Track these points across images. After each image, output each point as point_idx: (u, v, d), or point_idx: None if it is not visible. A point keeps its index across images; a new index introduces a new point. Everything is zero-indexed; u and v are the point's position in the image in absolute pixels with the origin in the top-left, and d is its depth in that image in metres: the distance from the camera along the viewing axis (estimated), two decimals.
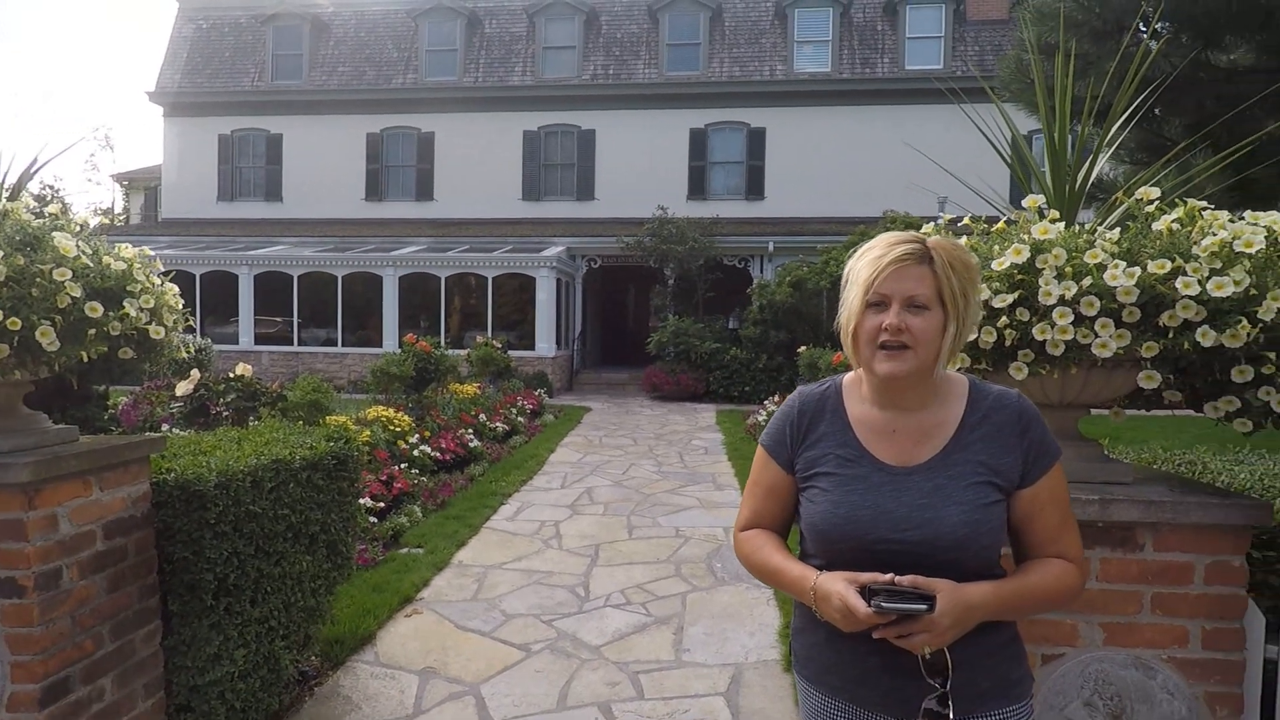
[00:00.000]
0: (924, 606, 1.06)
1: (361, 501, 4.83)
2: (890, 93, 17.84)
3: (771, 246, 16.19)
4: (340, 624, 3.49)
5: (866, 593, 1.10)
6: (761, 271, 16.51)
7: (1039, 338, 1.65)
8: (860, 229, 13.95)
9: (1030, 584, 1.19)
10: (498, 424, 8.87)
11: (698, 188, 18.60)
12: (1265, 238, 1.55)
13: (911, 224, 13.27)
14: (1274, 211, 1.63)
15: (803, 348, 11.91)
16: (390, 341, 14.46)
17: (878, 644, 1.14)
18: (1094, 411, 1.99)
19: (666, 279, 16.32)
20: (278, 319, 15.76)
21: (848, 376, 1.33)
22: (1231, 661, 1.75)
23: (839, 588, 1.12)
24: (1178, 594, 1.75)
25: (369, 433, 6.12)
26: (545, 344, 15.12)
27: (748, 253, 16.67)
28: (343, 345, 15.64)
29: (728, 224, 16.93)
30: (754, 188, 18.52)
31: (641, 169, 18.47)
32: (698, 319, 15.45)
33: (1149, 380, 1.66)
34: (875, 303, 1.18)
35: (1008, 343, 1.71)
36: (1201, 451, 3.11)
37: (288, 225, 18.83)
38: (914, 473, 1.21)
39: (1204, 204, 1.70)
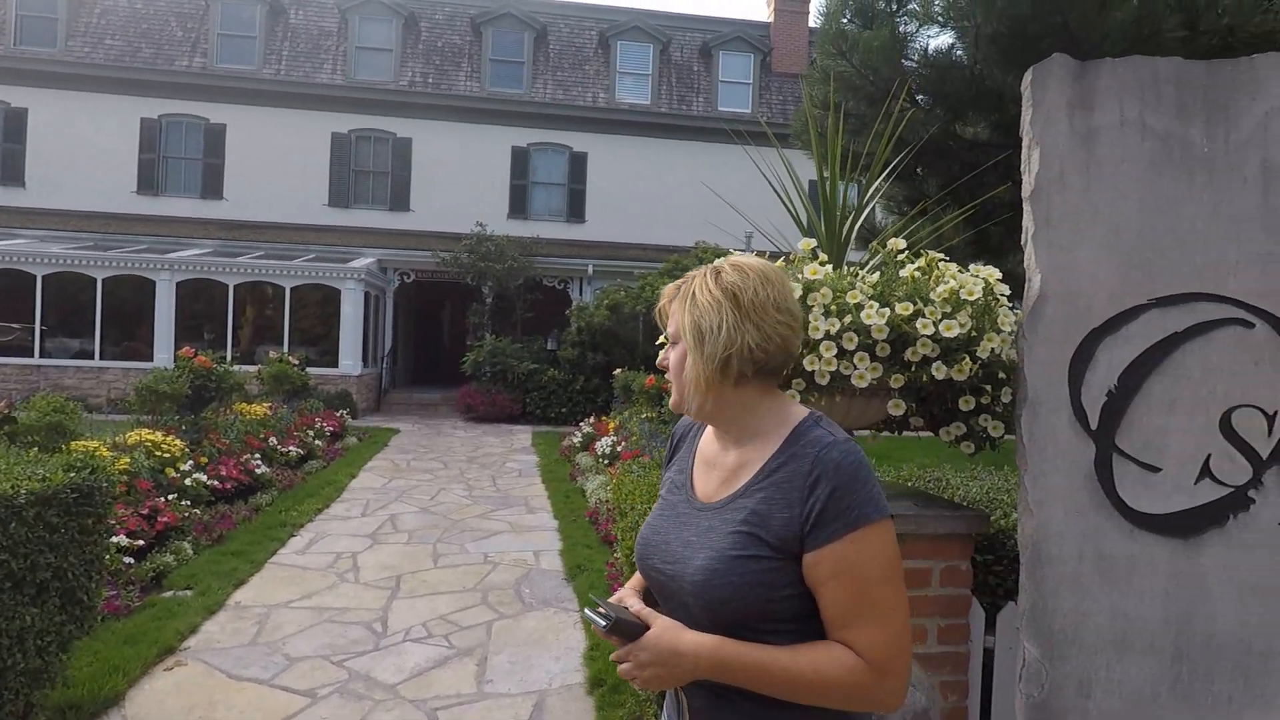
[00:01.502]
0: (602, 622, 1.03)
1: (114, 540, 4.20)
2: (704, 130, 18.95)
3: (591, 269, 16.47)
4: (78, 685, 2.99)
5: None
6: (581, 294, 16.73)
7: (809, 368, 1.81)
8: (674, 257, 14.64)
9: (776, 658, 1.00)
10: (291, 448, 8.15)
11: (519, 206, 18.51)
12: (983, 288, 1.82)
13: (720, 255, 14.11)
14: (992, 266, 1.93)
15: (618, 370, 12.20)
16: (164, 355, 12.77)
17: None
18: (856, 433, 2.22)
19: (484, 297, 16.01)
20: (15, 326, 13.34)
21: None
22: (960, 653, 2.02)
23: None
24: (919, 596, 1.99)
25: (128, 460, 5.35)
26: (350, 361, 14.17)
27: (567, 274, 16.83)
28: (102, 358, 13.53)
29: (548, 245, 16.99)
30: (575, 210, 18.78)
31: (461, 183, 18.05)
32: (516, 339, 15.30)
33: (896, 408, 1.88)
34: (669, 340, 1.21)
35: (783, 372, 1.86)
36: (947, 469, 3.58)
37: (31, 215, 16.10)
38: (705, 510, 1.14)
39: (941, 255, 1.97)
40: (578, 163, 18.81)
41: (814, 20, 5.30)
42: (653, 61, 19.35)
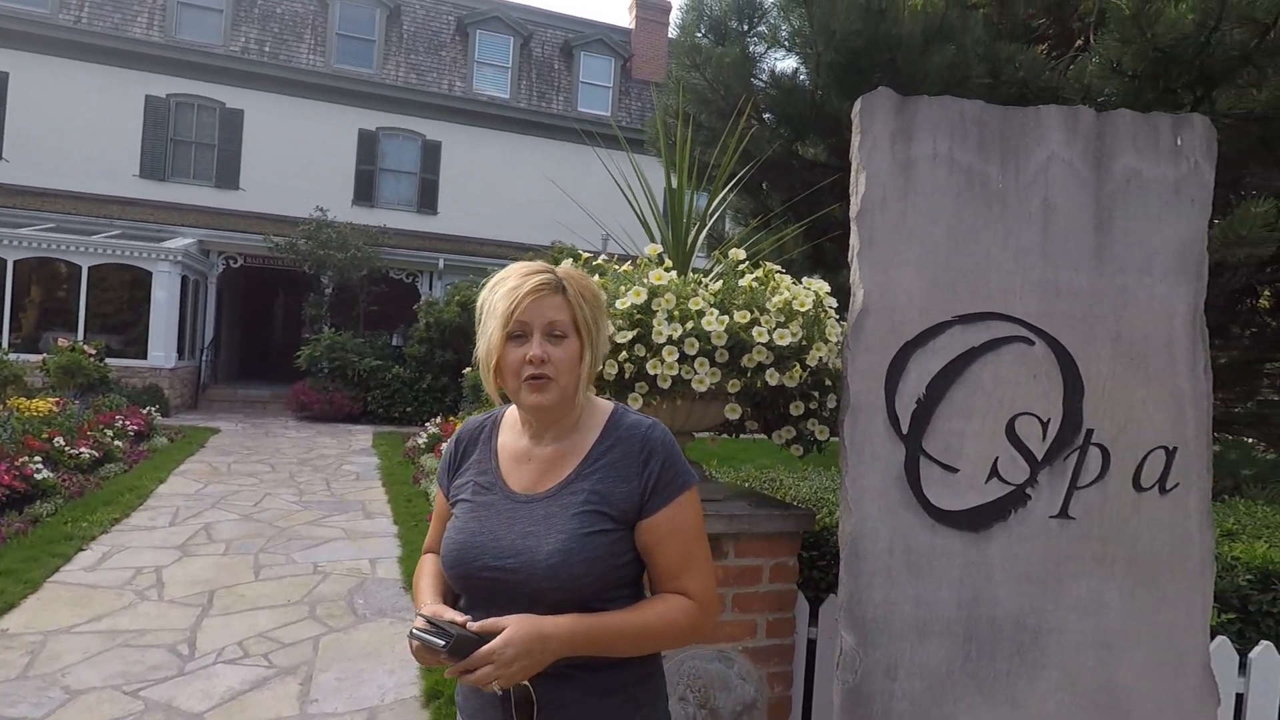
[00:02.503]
0: (441, 643, 1.02)
1: None
2: (565, 130, 18.89)
3: (442, 264, 15.90)
4: None
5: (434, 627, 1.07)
6: (431, 288, 16.11)
7: (651, 372, 1.84)
8: (530, 255, 14.49)
9: (627, 619, 1.14)
10: (83, 450, 7.18)
11: (365, 193, 17.53)
12: (814, 300, 1.94)
13: (574, 256, 14.14)
14: (823, 280, 2.05)
15: (468, 369, 11.87)
16: None
17: None
18: (696, 435, 2.29)
19: (324, 288, 14.98)
20: None
21: (511, 406, 1.31)
22: (786, 645, 2.13)
23: (418, 621, 1.10)
24: (751, 593, 2.08)
25: None
26: (162, 353, 12.72)
27: (417, 268, 16.14)
28: None
29: (397, 235, 16.21)
30: (427, 201, 18.07)
31: (300, 164, 16.80)
32: (358, 334, 14.46)
33: (733, 412, 1.95)
34: (516, 334, 1.17)
35: (626, 375, 1.87)
36: (781, 470, 3.79)
37: None
38: (533, 501, 1.19)
39: (778, 267, 2.07)
40: (431, 152, 18.11)
41: (673, 31, 5.42)
42: (513, 55, 19.03)
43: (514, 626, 1.06)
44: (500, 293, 1.18)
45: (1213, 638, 2.11)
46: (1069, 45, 4.95)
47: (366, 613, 4.19)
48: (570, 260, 1.98)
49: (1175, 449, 1.92)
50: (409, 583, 4.71)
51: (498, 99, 18.72)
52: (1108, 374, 1.91)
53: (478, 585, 1.16)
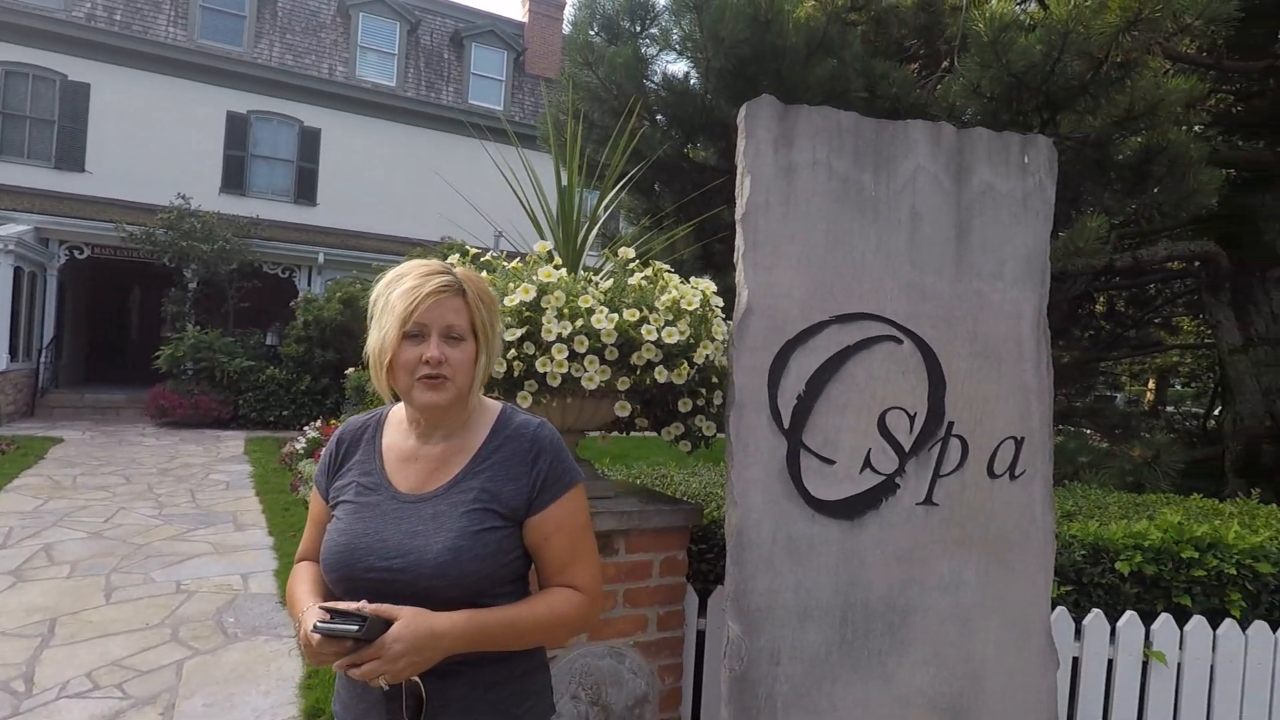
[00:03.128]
0: (354, 628, 1.01)
1: None
2: (455, 122, 18.37)
3: (322, 258, 15.09)
4: None
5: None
6: (310, 284, 15.26)
7: (541, 370, 1.83)
8: (418, 251, 14.01)
9: (519, 613, 1.16)
10: None
11: (235, 181, 16.38)
12: (701, 299, 1.99)
13: (463, 253, 13.80)
14: (710, 280, 2.11)
15: (351, 369, 11.34)
16: None
17: None
18: (587, 434, 2.29)
19: (186, 282, 13.84)
20: None
21: (396, 406, 1.31)
22: (676, 638, 2.18)
23: (309, 617, 1.07)
24: (642, 588, 2.11)
25: None
26: None
27: (294, 262, 15.23)
28: None
29: (271, 227, 15.24)
30: (305, 192, 17.10)
31: (159, 146, 15.48)
32: (227, 332, 13.49)
33: (623, 409, 1.97)
34: (413, 334, 1.16)
35: (515, 373, 1.85)
36: (671, 467, 3.86)
37: None
38: (421, 501, 1.19)
39: (666, 266, 2.11)
40: (309, 139, 17.15)
41: (567, 28, 5.39)
42: (399, 41, 18.34)
43: (404, 621, 1.06)
44: (399, 290, 1.17)
45: (1053, 608, 2.34)
46: (937, 66, 5.33)
47: (238, 632, 3.92)
48: (458, 256, 1.93)
49: (1023, 439, 2.11)
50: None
51: (383, 86, 17.98)
52: (966, 371, 2.07)
53: (362, 588, 1.13)
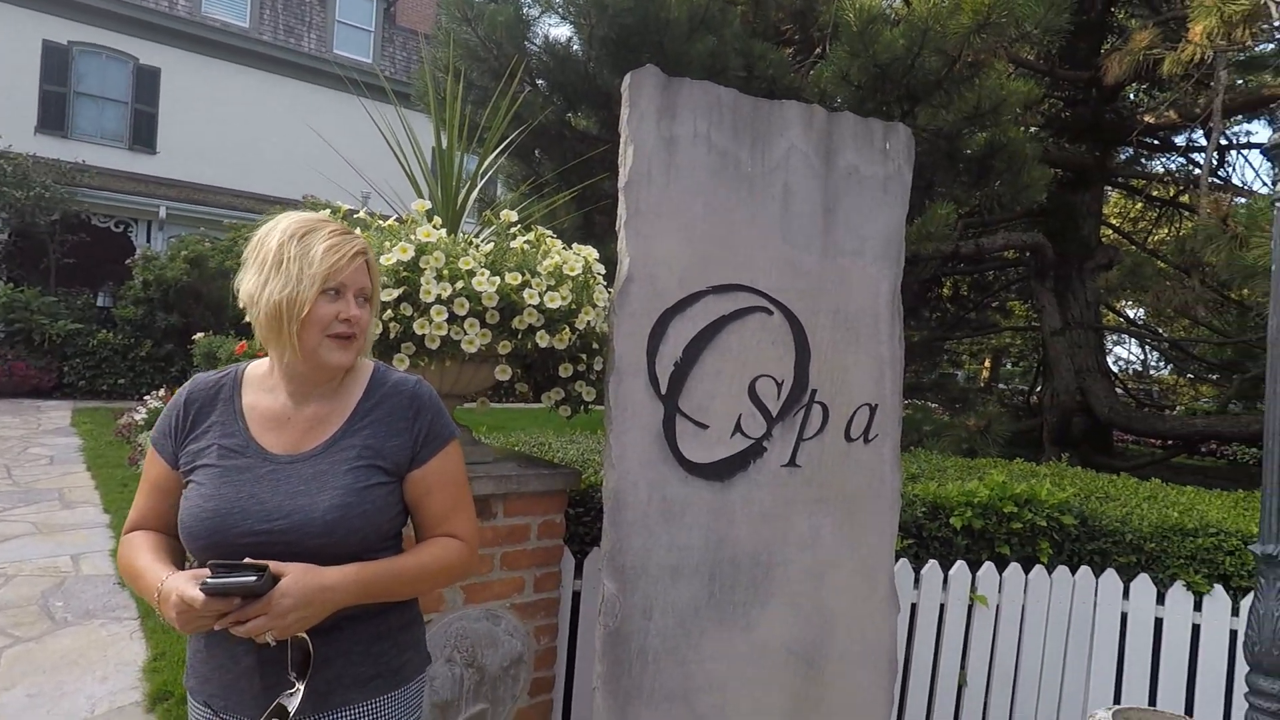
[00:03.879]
0: (252, 579, 0.99)
1: None
2: (319, 73, 17.13)
3: (164, 212, 13.72)
4: None
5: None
6: (149, 240, 13.85)
7: (419, 332, 1.78)
8: (278, 209, 12.99)
9: (405, 563, 1.20)
10: None
11: (55, 121, 14.50)
12: (583, 266, 2.00)
13: (334, 210, 13.00)
14: (591, 246, 2.12)
15: (200, 334, 10.45)
16: None
17: (252, 643, 1.08)
18: (466, 406, 2.26)
19: None
20: None
21: (252, 365, 1.29)
22: (553, 599, 2.21)
23: (179, 584, 1.03)
24: (519, 551, 2.12)
25: None
26: None
27: (130, 215, 13.76)
28: None
29: (102, 175, 13.66)
30: (143, 137, 15.40)
31: None
32: (48, 291, 12.03)
33: (503, 373, 1.96)
34: (332, 290, 1.17)
35: (392, 335, 1.80)
36: (549, 435, 3.87)
37: None
38: (298, 461, 1.18)
39: (549, 232, 2.10)
40: (147, 79, 15.44)
41: None
42: None
43: (293, 576, 1.06)
44: (321, 247, 1.16)
45: (896, 560, 2.57)
46: (810, 51, 5.56)
47: (68, 616, 3.58)
48: (328, 213, 1.84)
49: (877, 405, 2.29)
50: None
51: (234, 26, 16.43)
52: (829, 342, 2.22)
53: (236, 553, 1.09)
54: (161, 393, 9.25)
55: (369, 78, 16.29)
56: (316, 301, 1.15)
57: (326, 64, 17.12)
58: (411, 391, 1.28)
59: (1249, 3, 3.86)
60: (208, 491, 1.15)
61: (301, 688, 1.09)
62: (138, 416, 8.14)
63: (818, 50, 5.36)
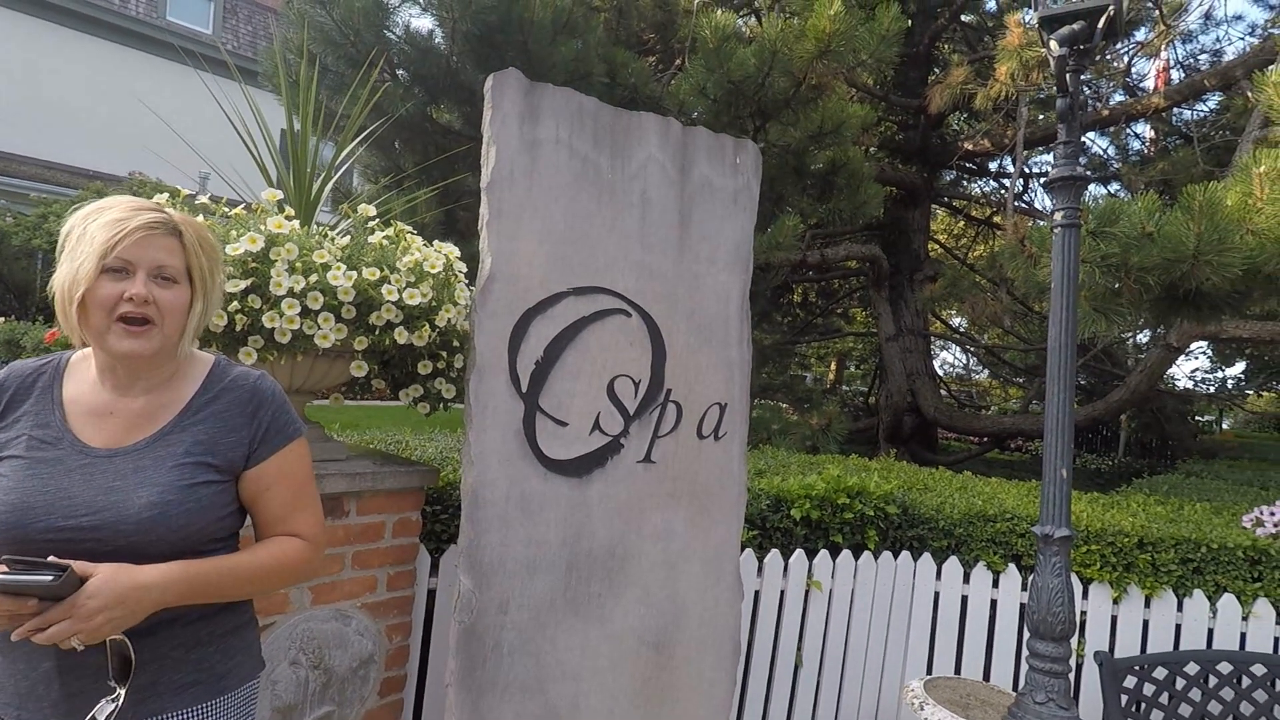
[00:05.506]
0: (48, 578, 0.92)
1: None
2: (146, 39, 15.54)
3: None
4: None
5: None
6: None
7: (269, 325, 1.72)
8: (97, 185, 11.69)
9: (241, 560, 1.16)
10: None
11: None
12: (444, 263, 2.00)
13: (164, 192, 11.86)
14: (452, 244, 2.12)
15: (1, 319, 9.19)
16: None
17: (53, 648, 1.01)
18: (318, 403, 2.19)
19: None
20: None
21: (78, 354, 1.21)
22: (407, 596, 2.19)
23: None
24: (372, 549, 2.08)
25: None
26: None
27: None
28: None
29: None
30: None
31: None
32: None
33: (359, 369, 1.93)
34: (116, 268, 1.07)
35: (239, 328, 1.72)
36: (406, 432, 3.78)
37: None
38: (118, 455, 1.12)
39: (409, 228, 2.08)
40: None
41: None
42: None
43: (102, 576, 0.99)
44: (102, 221, 1.08)
45: (741, 550, 2.76)
46: (671, 63, 5.77)
47: None
48: (167, 198, 1.73)
49: (726, 405, 2.45)
50: None
51: None
52: (683, 344, 2.34)
53: (38, 550, 1.02)
54: None
55: (208, 50, 15.01)
56: (97, 281, 1.06)
57: (157, 30, 15.57)
58: (252, 386, 1.24)
59: (1043, 50, 4.46)
60: (9, 484, 1.07)
61: (122, 694, 1.03)
62: None
63: (678, 61, 5.58)
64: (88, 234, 1.08)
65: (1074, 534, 2.42)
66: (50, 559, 0.96)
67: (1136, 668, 2.71)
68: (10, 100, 14.05)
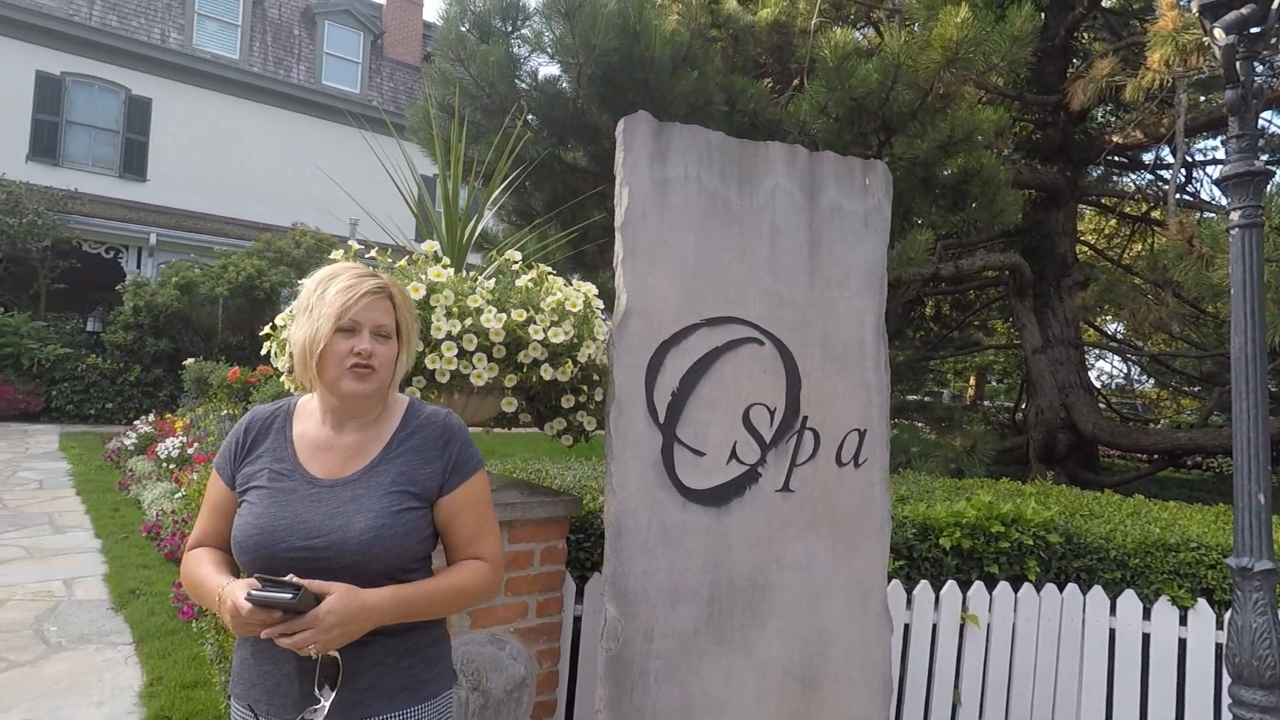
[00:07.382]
0: (288, 596, 1.08)
1: None
2: (308, 103, 17.30)
3: (154, 239, 13.74)
4: None
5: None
6: (139, 267, 13.85)
7: (429, 366, 1.86)
8: (267, 237, 13.08)
9: (437, 585, 1.29)
10: None
11: (46, 148, 14.55)
12: (584, 301, 2.09)
13: (323, 240, 13.11)
14: (590, 283, 2.22)
15: (191, 360, 10.44)
16: None
17: (293, 654, 1.18)
18: (471, 429, 2.34)
19: None
20: None
21: (305, 398, 1.41)
22: (555, 623, 2.28)
23: (234, 591, 1.14)
24: (523, 576, 2.19)
25: None
26: None
27: (121, 242, 13.76)
28: None
29: (94, 202, 13.71)
30: (134, 165, 15.47)
31: None
32: (38, 315, 12.00)
33: (509, 405, 2.04)
34: (347, 328, 1.26)
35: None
36: (545, 461, 3.94)
37: None
38: (339, 485, 1.28)
39: (550, 269, 2.19)
40: (139, 109, 15.54)
41: (429, 13, 5.26)
42: (243, 12, 17.01)
43: (338, 595, 1.15)
44: (335, 289, 1.28)
45: (888, 581, 2.65)
46: (788, 84, 5.73)
47: (62, 641, 3.59)
48: (341, 254, 1.92)
49: (865, 430, 2.38)
50: (120, 602, 4.11)
51: (224, 58, 16.60)
52: (818, 370, 2.31)
53: (281, 568, 1.19)
54: (151, 417, 9.22)
55: (357, 108, 16.46)
56: (332, 338, 1.26)
57: (315, 94, 17.29)
58: (443, 423, 1.38)
59: (1201, 34, 4.05)
60: (257, 510, 1.26)
61: (327, 703, 1.17)
62: (127, 441, 8.11)
63: (795, 82, 5.53)
64: (325, 299, 1.27)
65: (1278, 566, 2.15)
66: (290, 578, 1.12)
67: None
68: (193, 166, 16.05)
